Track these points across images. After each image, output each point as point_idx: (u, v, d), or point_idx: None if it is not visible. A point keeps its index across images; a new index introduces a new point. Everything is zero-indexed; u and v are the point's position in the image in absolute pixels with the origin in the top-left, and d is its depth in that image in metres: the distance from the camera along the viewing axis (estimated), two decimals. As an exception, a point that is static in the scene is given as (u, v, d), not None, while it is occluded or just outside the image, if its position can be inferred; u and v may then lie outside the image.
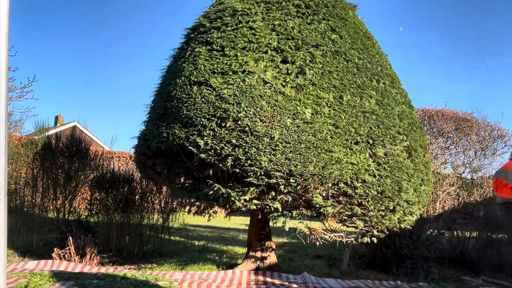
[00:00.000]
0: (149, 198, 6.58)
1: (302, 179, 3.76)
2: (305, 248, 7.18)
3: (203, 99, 3.86)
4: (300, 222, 5.04)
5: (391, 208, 4.15)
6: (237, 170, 3.75)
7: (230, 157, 3.69)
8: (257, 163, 3.65)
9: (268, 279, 4.49)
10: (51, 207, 6.59)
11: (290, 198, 3.90)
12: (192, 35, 4.54)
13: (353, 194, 4.02)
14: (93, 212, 6.65)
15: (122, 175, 6.40)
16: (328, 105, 4.00)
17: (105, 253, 5.70)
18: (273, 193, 3.85)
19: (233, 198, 3.85)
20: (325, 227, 4.63)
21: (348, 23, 4.70)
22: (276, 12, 4.32)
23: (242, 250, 6.75)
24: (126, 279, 3.99)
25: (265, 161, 3.64)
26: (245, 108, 3.72)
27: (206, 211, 4.99)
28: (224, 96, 3.79)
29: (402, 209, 4.24)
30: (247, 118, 3.70)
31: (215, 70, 3.99)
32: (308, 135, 3.78)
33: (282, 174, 3.70)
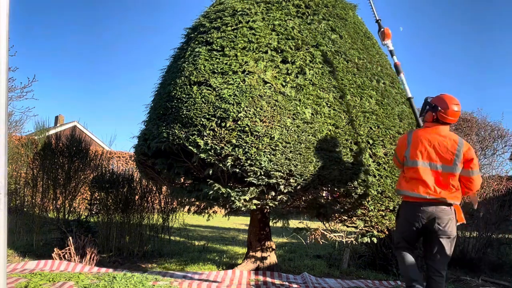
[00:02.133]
0: (149, 198, 6.57)
1: (302, 179, 3.76)
2: (305, 248, 7.19)
3: (203, 99, 3.86)
4: (300, 222, 5.04)
5: (391, 208, 4.15)
6: (237, 170, 3.75)
7: (230, 157, 3.69)
8: (257, 163, 3.65)
9: (268, 279, 4.49)
10: (51, 207, 6.59)
11: (290, 198, 3.90)
12: (192, 35, 4.54)
13: (353, 194, 4.02)
14: (93, 212, 6.65)
15: (122, 175, 6.40)
16: (328, 105, 4.00)
17: (105, 253, 5.70)
18: (273, 193, 3.85)
19: (233, 198, 3.85)
20: (325, 227, 4.63)
21: (348, 23, 4.70)
22: (276, 12, 4.32)
23: (242, 250, 6.75)
24: (126, 279, 4.00)
25: (265, 161, 3.64)
26: (245, 108, 3.72)
27: (205, 210, 4.99)
28: (224, 96, 3.79)
29: (402, 209, 4.23)
30: (247, 118, 3.70)
31: (215, 70, 3.99)
32: (308, 135, 3.78)
33: (282, 174, 3.70)
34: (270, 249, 4.96)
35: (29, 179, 6.78)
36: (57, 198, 6.54)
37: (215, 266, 5.30)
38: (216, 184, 3.87)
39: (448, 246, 3.16)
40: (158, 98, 4.49)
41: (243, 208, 3.99)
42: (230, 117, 3.71)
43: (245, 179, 3.75)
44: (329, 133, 3.88)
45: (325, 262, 5.95)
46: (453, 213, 3.18)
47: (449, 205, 3.16)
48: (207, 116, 3.78)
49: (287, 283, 4.38)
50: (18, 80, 19.68)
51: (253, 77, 3.89)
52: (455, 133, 3.53)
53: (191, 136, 3.82)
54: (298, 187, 3.81)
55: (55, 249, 4.98)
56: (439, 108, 3.21)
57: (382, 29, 4.07)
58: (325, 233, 4.48)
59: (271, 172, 3.67)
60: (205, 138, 3.75)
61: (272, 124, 3.72)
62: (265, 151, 3.65)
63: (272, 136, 3.68)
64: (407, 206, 3.30)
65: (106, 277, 4.06)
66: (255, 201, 3.90)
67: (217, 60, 4.05)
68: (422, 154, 3.20)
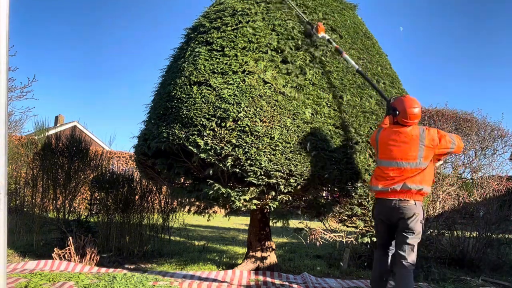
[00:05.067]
0: (149, 198, 6.57)
1: (302, 179, 3.75)
2: (305, 248, 7.18)
3: (203, 99, 3.86)
4: (300, 222, 5.03)
5: (391, 208, 4.14)
6: (237, 170, 3.74)
7: (230, 157, 3.69)
8: (257, 163, 3.64)
9: (268, 279, 4.49)
10: (51, 207, 6.59)
11: (290, 198, 3.90)
12: (192, 35, 4.54)
13: (353, 194, 4.02)
14: (93, 212, 6.65)
15: (122, 175, 6.40)
16: (328, 105, 4.00)
17: (105, 253, 5.70)
18: (273, 193, 3.85)
19: (233, 198, 3.84)
20: (325, 227, 4.63)
21: (348, 23, 4.70)
22: (276, 12, 4.32)
23: (242, 250, 6.75)
24: (126, 279, 4.00)
25: (265, 161, 3.64)
26: (245, 108, 3.72)
27: (206, 210, 4.99)
28: (224, 96, 3.79)
29: (402, 209, 4.23)
30: (247, 118, 3.70)
31: (215, 70, 3.99)
32: (308, 135, 3.78)
33: (282, 174, 3.70)
34: (270, 249, 4.95)
35: (29, 179, 6.77)
36: (57, 198, 6.53)
37: (215, 266, 5.30)
38: (216, 184, 3.87)
39: (413, 241, 3.27)
40: (158, 98, 4.49)
41: (243, 208, 3.99)
42: (230, 117, 3.71)
43: (245, 179, 3.75)
44: (329, 133, 3.88)
45: (325, 262, 5.95)
46: (418, 209, 3.28)
47: (413, 199, 3.27)
48: (207, 116, 3.78)
49: (287, 283, 4.38)
50: (18, 80, 19.65)
51: (253, 77, 3.89)
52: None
53: (191, 136, 3.82)
54: (298, 187, 3.81)
55: (55, 249, 4.98)
56: (397, 112, 3.37)
57: (315, 26, 4.27)
58: (325, 233, 4.48)
59: (271, 172, 3.67)
60: (205, 138, 3.75)
61: (272, 124, 3.72)
62: (265, 151, 3.65)
63: (272, 136, 3.68)
64: (377, 203, 3.48)
65: (106, 277, 4.06)
66: (255, 201, 3.90)
67: (217, 60, 4.04)
68: (388, 154, 3.37)
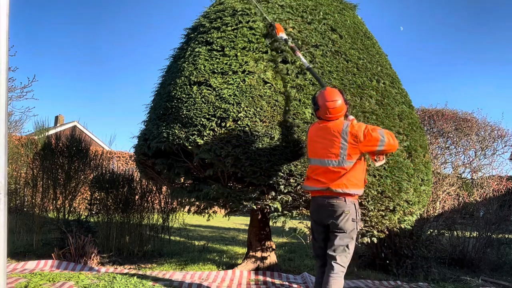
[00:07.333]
0: (149, 198, 6.57)
1: (302, 179, 3.75)
2: (305, 248, 7.18)
3: (203, 99, 3.86)
4: (300, 222, 5.03)
5: (391, 208, 4.14)
6: (237, 170, 3.74)
7: (230, 157, 3.69)
8: (257, 163, 3.65)
9: (268, 279, 4.49)
10: (51, 207, 6.59)
11: (290, 198, 3.90)
12: (192, 35, 4.54)
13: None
14: (93, 212, 6.65)
15: (122, 175, 6.40)
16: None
17: (105, 253, 5.70)
18: (273, 193, 3.85)
19: (233, 198, 3.84)
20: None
21: (348, 23, 4.70)
22: (276, 12, 4.32)
23: (242, 250, 6.75)
24: (126, 279, 3.99)
25: (265, 161, 3.64)
26: (245, 108, 3.72)
27: (206, 210, 4.99)
28: (224, 96, 3.79)
29: (402, 209, 4.23)
30: (247, 118, 3.70)
31: (215, 70, 3.99)
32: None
33: (282, 174, 3.70)
34: (270, 249, 4.95)
35: (29, 179, 6.77)
36: (57, 198, 6.53)
37: (215, 266, 5.30)
38: (216, 184, 3.87)
39: (344, 241, 3.00)
40: (158, 98, 4.49)
41: (243, 208, 3.99)
42: (230, 117, 3.71)
43: (245, 179, 3.75)
44: (329, 133, 3.88)
45: (325, 262, 5.93)
46: (349, 206, 2.99)
47: (342, 196, 2.99)
48: (207, 116, 3.78)
49: (287, 283, 4.38)
50: (18, 80, 19.67)
51: (253, 77, 3.89)
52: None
53: (191, 136, 3.82)
54: (298, 187, 3.81)
55: (55, 249, 4.98)
56: (317, 105, 3.11)
57: (274, 29, 4.09)
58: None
59: (271, 172, 3.67)
60: (205, 138, 3.75)
61: (272, 124, 3.72)
62: (265, 151, 3.65)
63: (272, 136, 3.68)
64: (311, 203, 3.25)
65: (106, 277, 4.06)
66: (255, 201, 3.90)
67: (217, 60, 4.05)
68: (313, 151, 3.16)
